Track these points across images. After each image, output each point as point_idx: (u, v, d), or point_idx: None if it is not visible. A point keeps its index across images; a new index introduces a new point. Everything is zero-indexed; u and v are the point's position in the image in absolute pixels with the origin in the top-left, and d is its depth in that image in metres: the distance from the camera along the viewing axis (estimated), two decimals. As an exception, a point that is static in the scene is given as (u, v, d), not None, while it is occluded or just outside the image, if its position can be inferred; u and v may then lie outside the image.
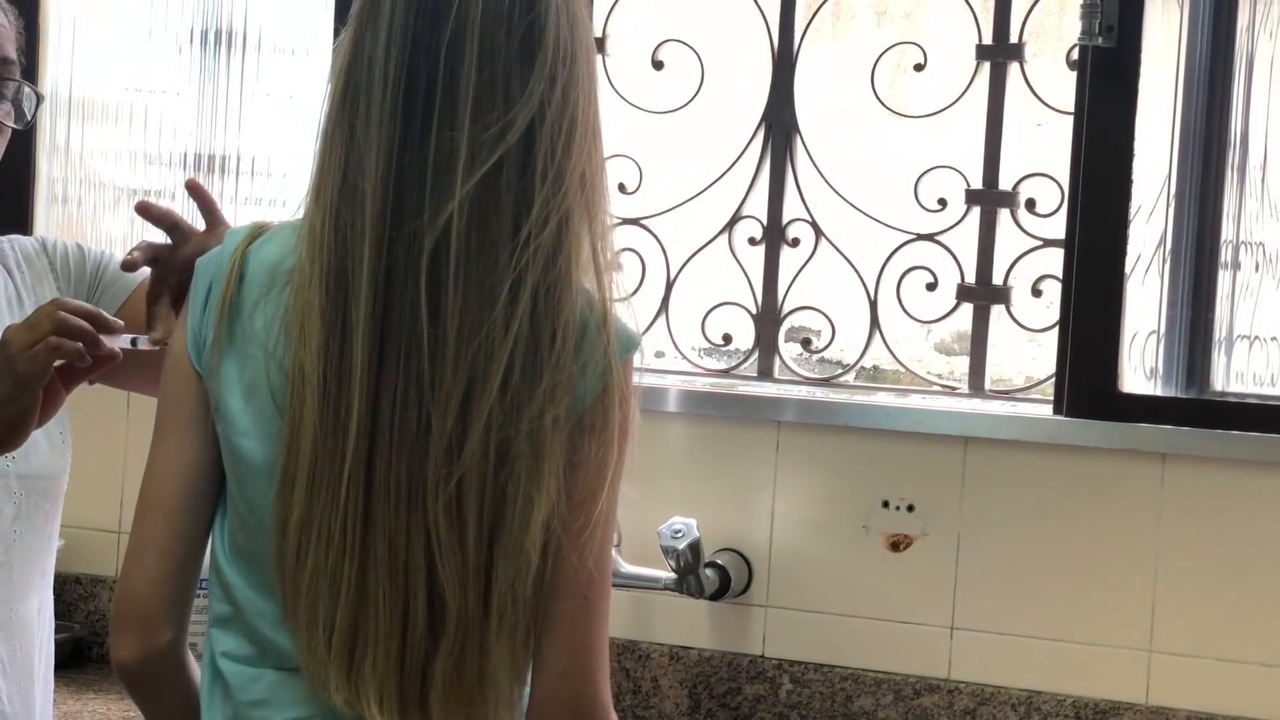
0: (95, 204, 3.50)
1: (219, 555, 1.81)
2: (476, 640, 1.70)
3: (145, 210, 2.05)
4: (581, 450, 1.72)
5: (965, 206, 3.06)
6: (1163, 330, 2.91)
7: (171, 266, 2.02)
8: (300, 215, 1.76)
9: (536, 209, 1.69)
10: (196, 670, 1.84)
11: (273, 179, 3.42)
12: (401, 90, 1.70)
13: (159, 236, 2.05)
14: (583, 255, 1.72)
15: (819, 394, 3.08)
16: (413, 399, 1.69)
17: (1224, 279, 2.90)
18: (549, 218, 1.69)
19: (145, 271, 2.06)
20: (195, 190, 2.07)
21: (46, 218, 3.51)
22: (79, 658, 3.33)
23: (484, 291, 1.68)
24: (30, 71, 3.47)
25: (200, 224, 2.04)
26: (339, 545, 1.70)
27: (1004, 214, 3.04)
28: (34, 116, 2.15)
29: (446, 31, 1.70)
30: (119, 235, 3.48)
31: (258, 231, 1.80)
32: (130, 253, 2.03)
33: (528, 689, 1.77)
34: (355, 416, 1.69)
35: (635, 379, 1.75)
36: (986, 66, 3.05)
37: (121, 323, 1.92)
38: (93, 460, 3.39)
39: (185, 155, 3.45)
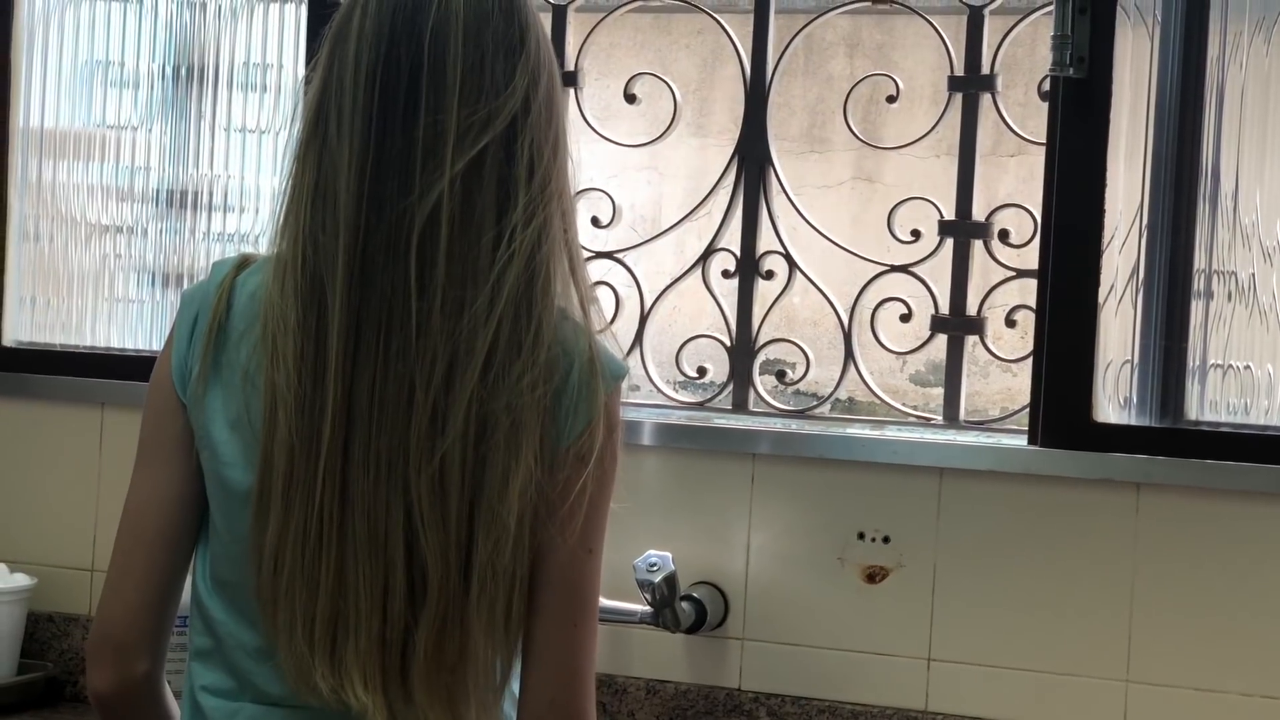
0: (67, 240, 3.49)
1: (200, 588, 1.81)
2: (458, 613, 1.71)
3: None
4: (573, 478, 1.73)
5: (939, 237, 3.07)
6: (1136, 360, 2.92)
7: None
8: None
9: (522, 203, 1.72)
10: (172, 703, 1.84)
11: (246, 214, 3.41)
12: (378, 83, 1.72)
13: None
14: (562, 266, 1.75)
15: (794, 426, 3.07)
16: (394, 374, 1.70)
17: (1197, 308, 2.90)
18: (534, 213, 1.72)
19: None
20: None
21: (18, 255, 3.50)
22: (53, 696, 3.31)
23: (469, 269, 1.70)
24: (1, 107, 3.48)
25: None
26: (315, 538, 1.71)
27: (977, 245, 3.05)
28: None
29: (429, 20, 1.72)
30: (90, 271, 3.47)
31: (245, 262, 1.81)
32: None
33: (514, 683, 1.78)
34: (331, 402, 1.70)
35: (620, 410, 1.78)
36: (959, 98, 3.05)
37: None
38: (65, 499, 3.38)
39: (157, 191, 3.44)
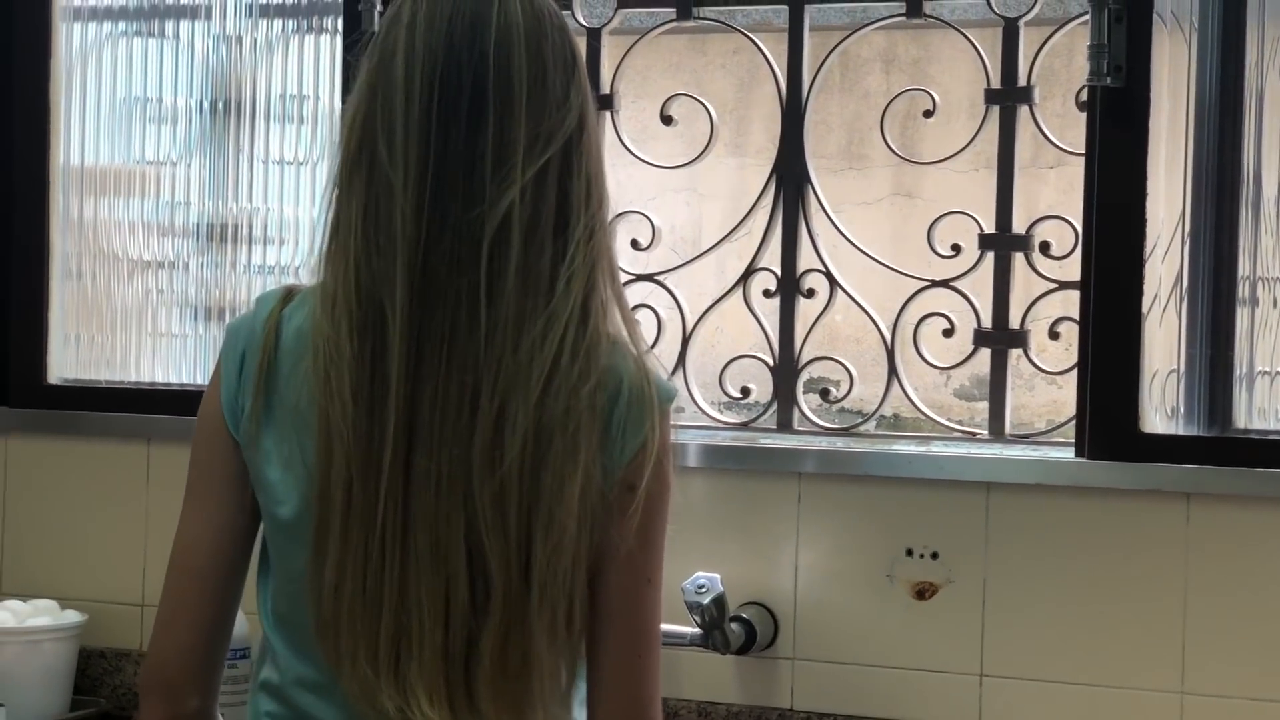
0: (109, 277, 3.50)
1: (265, 622, 1.82)
2: (520, 618, 1.71)
3: None
4: (627, 498, 1.73)
5: (979, 251, 3.05)
6: (1182, 369, 2.90)
7: None
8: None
9: (583, 220, 1.74)
10: (226, 738, 1.85)
11: (286, 246, 3.42)
12: (436, 98, 1.72)
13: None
14: (608, 289, 1.76)
15: (839, 444, 3.06)
16: (456, 385, 1.70)
17: (1242, 315, 2.89)
18: (594, 230, 1.75)
19: None
20: None
21: (61, 293, 3.51)
22: (105, 732, 3.33)
23: (532, 280, 1.72)
24: (40, 146, 3.50)
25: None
26: (377, 558, 1.72)
27: (1018, 258, 3.04)
28: None
29: (492, 34, 1.72)
30: (133, 307, 3.48)
31: (289, 295, 1.81)
32: None
33: (578, 712, 1.78)
34: (393, 424, 1.70)
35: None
36: (996, 110, 3.04)
37: None
38: (114, 534, 3.39)
39: (198, 225, 3.45)
